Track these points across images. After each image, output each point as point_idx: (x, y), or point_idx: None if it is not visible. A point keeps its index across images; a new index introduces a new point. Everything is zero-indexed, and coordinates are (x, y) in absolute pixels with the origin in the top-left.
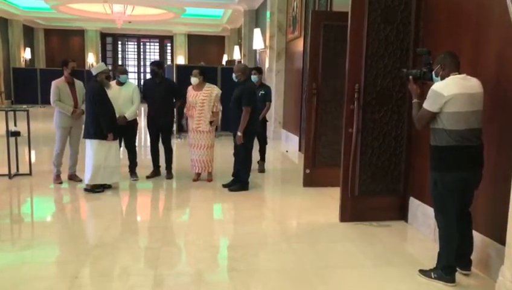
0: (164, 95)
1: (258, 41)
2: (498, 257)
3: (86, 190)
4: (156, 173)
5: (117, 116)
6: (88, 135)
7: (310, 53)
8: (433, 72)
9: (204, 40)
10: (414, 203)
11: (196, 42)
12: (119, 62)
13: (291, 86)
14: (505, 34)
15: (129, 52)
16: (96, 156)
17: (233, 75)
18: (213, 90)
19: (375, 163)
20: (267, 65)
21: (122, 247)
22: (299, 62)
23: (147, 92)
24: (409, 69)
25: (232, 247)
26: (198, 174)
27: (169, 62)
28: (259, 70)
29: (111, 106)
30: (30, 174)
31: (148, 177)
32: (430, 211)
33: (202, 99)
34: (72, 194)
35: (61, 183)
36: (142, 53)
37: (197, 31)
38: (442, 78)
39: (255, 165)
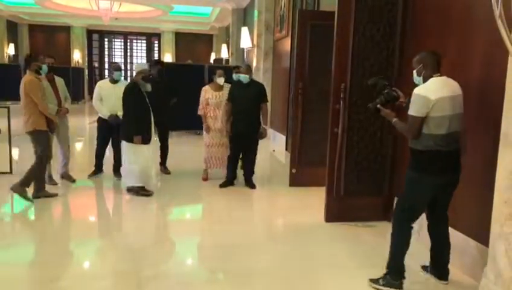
0: (164, 93)
1: (245, 40)
2: (481, 258)
3: (132, 192)
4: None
5: (109, 114)
6: (122, 137)
7: (296, 52)
8: (415, 72)
9: (192, 38)
10: None
11: (184, 40)
12: (106, 59)
13: (279, 85)
14: (492, 34)
15: (116, 50)
16: (128, 158)
17: (245, 77)
18: None
19: (360, 163)
20: (254, 64)
21: (106, 247)
22: (286, 61)
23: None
24: (372, 101)
25: (217, 248)
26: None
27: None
28: (249, 69)
29: (144, 108)
30: (11, 172)
31: None
32: None
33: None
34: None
35: (55, 184)
36: (129, 50)
37: (185, 29)
38: (425, 79)
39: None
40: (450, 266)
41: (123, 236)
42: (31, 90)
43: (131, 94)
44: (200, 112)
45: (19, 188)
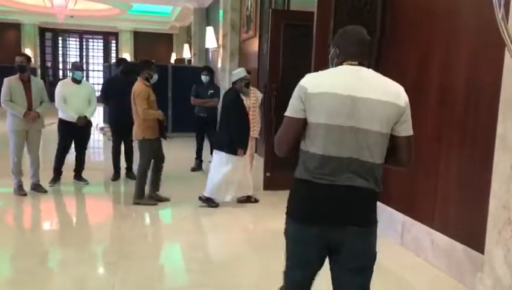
0: (128, 93)
1: (210, 40)
2: (471, 263)
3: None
4: (118, 175)
5: (77, 116)
6: (219, 147)
7: (269, 53)
8: (329, 57)
9: (151, 38)
10: (380, 208)
11: (143, 40)
12: (60, 59)
13: None
14: (475, 34)
15: (71, 49)
16: (229, 171)
17: None
18: (257, 93)
19: None
20: (219, 65)
21: (72, 262)
22: (254, 62)
23: (111, 91)
24: None
25: (197, 260)
26: None
27: (114, 60)
28: (210, 71)
29: (246, 118)
30: None
31: (113, 180)
32: (396, 215)
33: (253, 104)
34: (13, 201)
35: (25, 195)
36: (84, 50)
37: (143, 28)
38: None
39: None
40: (435, 269)
41: (91, 248)
42: (137, 98)
43: (236, 104)
44: None
45: (138, 200)
